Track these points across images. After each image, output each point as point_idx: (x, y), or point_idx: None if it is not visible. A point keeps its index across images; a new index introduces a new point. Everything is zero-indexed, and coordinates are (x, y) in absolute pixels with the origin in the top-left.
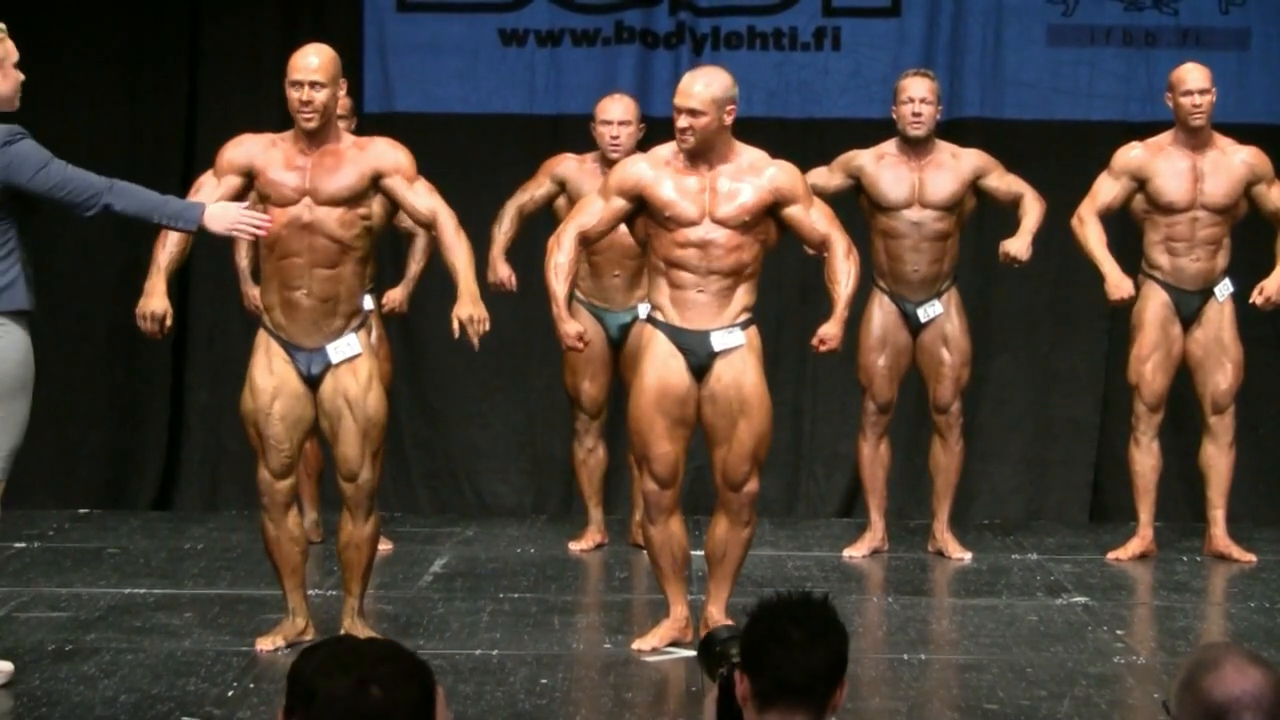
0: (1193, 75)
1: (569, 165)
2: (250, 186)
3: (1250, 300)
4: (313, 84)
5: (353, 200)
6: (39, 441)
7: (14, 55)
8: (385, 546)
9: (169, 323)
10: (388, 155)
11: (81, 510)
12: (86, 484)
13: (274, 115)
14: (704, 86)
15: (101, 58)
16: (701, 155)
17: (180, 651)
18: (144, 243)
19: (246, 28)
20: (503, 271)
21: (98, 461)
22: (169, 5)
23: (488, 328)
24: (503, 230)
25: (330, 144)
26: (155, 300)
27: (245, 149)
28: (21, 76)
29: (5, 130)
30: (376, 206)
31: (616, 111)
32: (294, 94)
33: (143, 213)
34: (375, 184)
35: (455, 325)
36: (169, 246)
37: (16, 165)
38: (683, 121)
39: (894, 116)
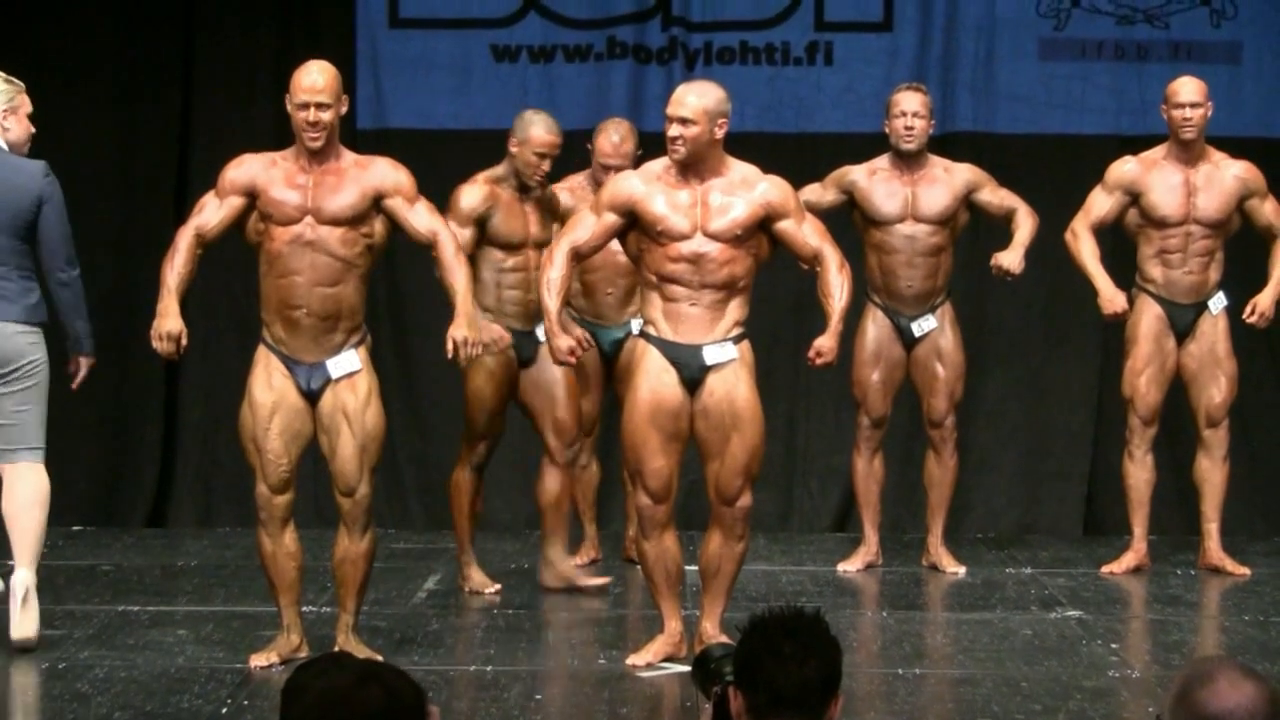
0: (1185, 89)
1: (563, 197)
2: (252, 207)
3: (1243, 317)
4: (319, 105)
5: (355, 220)
6: None
7: (29, 106)
8: (492, 588)
9: (185, 342)
10: (389, 176)
11: (75, 527)
12: (80, 501)
13: (268, 130)
14: (696, 97)
15: (95, 72)
16: (693, 169)
17: (174, 668)
18: (135, 259)
19: (240, 43)
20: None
21: (91, 478)
22: (163, 20)
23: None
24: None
25: (331, 162)
26: (170, 320)
27: (247, 169)
28: (33, 129)
29: (44, 165)
30: (378, 225)
31: (614, 146)
32: (300, 115)
33: (70, 313)
34: (376, 204)
35: (449, 345)
36: (178, 268)
37: (54, 198)
38: (674, 130)
39: (886, 131)
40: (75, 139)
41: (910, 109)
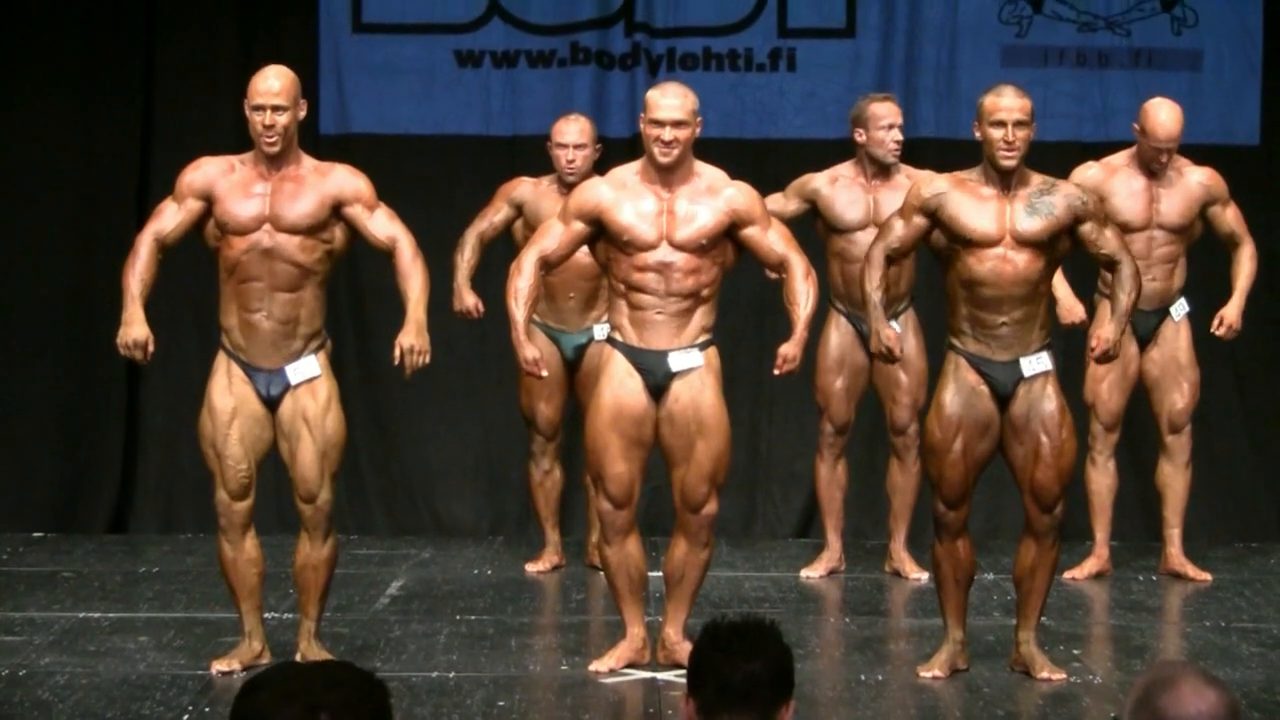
0: (1165, 127)
1: (525, 189)
2: (210, 211)
3: (1211, 330)
4: (275, 108)
5: (314, 228)
6: None
7: None
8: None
9: (151, 348)
10: (348, 184)
11: (36, 534)
12: (41, 507)
13: (229, 133)
14: (683, 98)
15: (57, 73)
16: (664, 175)
17: (135, 675)
18: (97, 261)
19: (202, 46)
20: (469, 300)
21: (52, 484)
22: (124, 22)
23: (427, 360)
24: (464, 258)
25: (290, 168)
26: (136, 328)
27: (204, 172)
28: None
29: None
30: (338, 232)
31: (572, 134)
32: (257, 118)
33: None
34: (336, 212)
35: (396, 352)
36: (140, 274)
37: None
38: (668, 134)
39: (860, 141)
40: (37, 139)
41: (896, 121)
